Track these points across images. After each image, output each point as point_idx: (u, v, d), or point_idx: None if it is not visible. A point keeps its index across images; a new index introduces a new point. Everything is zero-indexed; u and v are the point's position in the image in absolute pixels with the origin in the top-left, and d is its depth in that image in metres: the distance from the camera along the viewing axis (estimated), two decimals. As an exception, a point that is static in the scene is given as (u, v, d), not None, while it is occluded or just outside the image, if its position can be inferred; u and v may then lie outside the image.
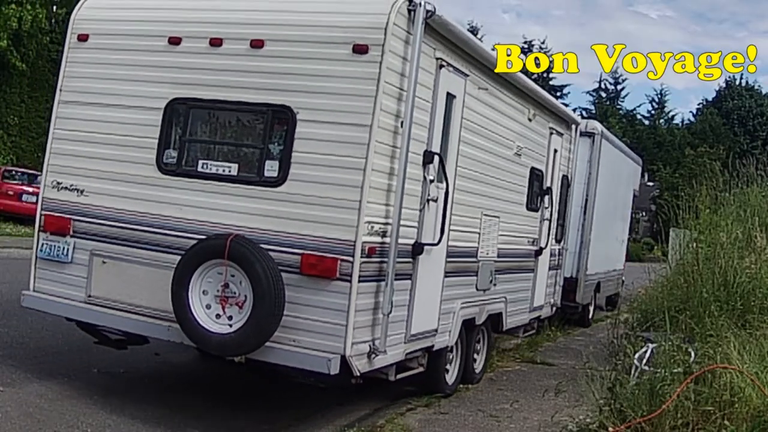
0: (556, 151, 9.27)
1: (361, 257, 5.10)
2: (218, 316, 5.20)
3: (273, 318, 5.05)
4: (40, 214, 6.11)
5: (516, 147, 7.83)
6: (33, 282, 6.08)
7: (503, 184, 7.63)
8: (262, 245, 5.20)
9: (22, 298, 6.13)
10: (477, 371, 7.69)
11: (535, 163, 8.49)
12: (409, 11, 5.32)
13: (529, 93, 8.13)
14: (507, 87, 7.44)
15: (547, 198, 8.95)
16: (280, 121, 5.41)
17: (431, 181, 5.84)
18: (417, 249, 5.78)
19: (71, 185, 5.98)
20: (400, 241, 5.43)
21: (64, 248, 5.95)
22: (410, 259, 5.74)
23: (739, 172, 10.17)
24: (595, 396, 5.48)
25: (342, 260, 5.10)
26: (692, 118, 72.13)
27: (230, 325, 5.16)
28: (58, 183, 6.04)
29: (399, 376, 6.00)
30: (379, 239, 5.28)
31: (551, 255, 9.54)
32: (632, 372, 5.92)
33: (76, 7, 6.27)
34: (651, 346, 6.15)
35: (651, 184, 54.12)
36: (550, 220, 9.17)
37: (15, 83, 23.41)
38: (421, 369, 6.32)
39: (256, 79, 5.46)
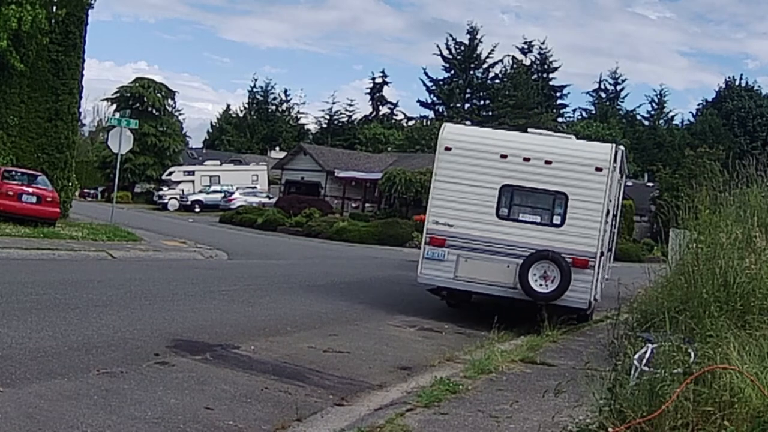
0: (620, 193, 18.60)
1: (598, 258, 14.05)
2: (541, 285, 13.57)
3: (567, 285, 13.30)
4: (426, 236, 14.18)
5: (615, 197, 16.94)
6: (420, 270, 14.08)
7: (611, 217, 16.85)
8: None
9: (417, 277, 14.25)
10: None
11: (616, 201, 17.77)
12: (616, 151, 14.05)
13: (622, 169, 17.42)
14: (619, 170, 16.65)
15: (615, 220, 18.33)
16: (559, 199, 13.78)
17: (608, 223, 14.85)
18: (602, 254, 14.58)
19: (444, 222, 13.98)
20: (603, 251, 14.45)
21: (441, 253, 14.02)
22: (601, 259, 14.77)
23: (739, 172, 11.16)
24: (595, 396, 5.94)
25: (590, 259, 13.59)
26: (692, 119, 76.13)
27: (547, 289, 13.63)
28: (437, 221, 14.05)
29: (589, 312, 15.02)
30: (601, 250, 14.19)
31: (612, 252, 18.99)
32: (632, 372, 6.39)
33: (441, 129, 14.21)
34: (651, 346, 6.69)
35: (651, 184, 59.44)
36: (615, 233, 18.58)
37: (15, 83, 25.65)
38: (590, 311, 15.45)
39: (548, 179, 13.65)
